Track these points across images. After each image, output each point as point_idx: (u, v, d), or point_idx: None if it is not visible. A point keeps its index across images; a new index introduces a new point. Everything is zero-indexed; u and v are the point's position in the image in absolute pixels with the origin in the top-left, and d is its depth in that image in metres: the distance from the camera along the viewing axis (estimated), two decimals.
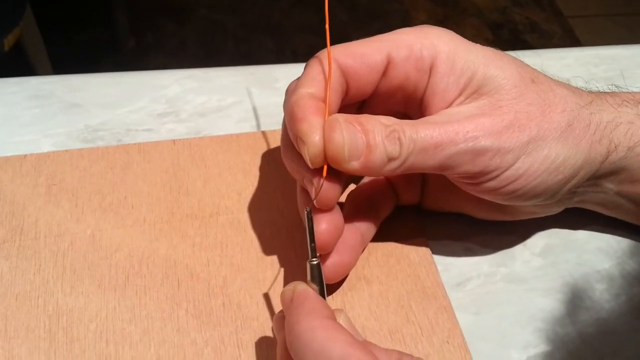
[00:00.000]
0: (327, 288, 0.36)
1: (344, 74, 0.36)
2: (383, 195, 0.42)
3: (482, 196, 0.37)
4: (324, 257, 0.38)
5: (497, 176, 0.35)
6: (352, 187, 0.43)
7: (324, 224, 0.36)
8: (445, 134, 0.34)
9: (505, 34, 2.01)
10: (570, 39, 1.98)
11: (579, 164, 0.36)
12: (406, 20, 1.98)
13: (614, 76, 0.55)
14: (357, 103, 0.39)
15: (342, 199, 0.42)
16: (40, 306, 0.38)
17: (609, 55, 0.57)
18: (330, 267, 0.37)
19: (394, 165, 0.34)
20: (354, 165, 0.34)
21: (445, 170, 0.35)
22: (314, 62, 0.36)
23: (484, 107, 0.35)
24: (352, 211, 0.40)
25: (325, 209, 0.36)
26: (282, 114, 0.40)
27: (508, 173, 0.35)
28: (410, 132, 0.34)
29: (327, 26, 0.36)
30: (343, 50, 0.36)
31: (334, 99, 0.35)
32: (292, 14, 1.99)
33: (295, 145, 0.35)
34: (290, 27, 1.95)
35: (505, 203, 0.38)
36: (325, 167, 0.34)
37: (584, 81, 0.40)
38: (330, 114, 0.35)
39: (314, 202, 0.35)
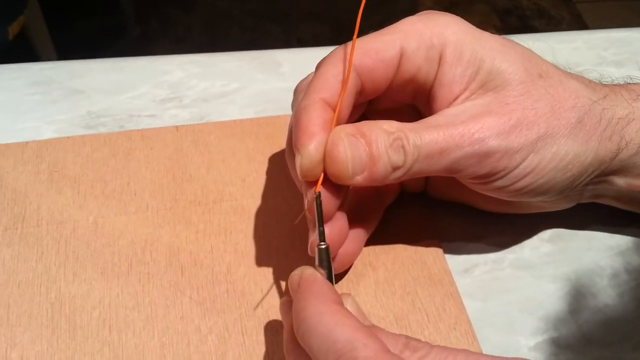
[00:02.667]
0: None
1: (359, 74, 0.35)
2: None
3: (489, 194, 0.37)
4: None
5: (505, 175, 0.34)
6: None
7: (326, 229, 0.35)
8: (451, 138, 0.33)
9: (514, 21, 1.99)
10: (579, 25, 1.96)
11: (588, 161, 0.35)
12: (413, 7, 1.96)
13: (623, 60, 0.54)
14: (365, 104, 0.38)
15: None
16: (43, 294, 0.37)
17: (618, 38, 0.56)
18: (334, 258, 0.37)
19: (398, 173, 0.34)
20: (358, 179, 0.33)
21: (451, 173, 0.35)
22: (328, 64, 0.35)
23: (491, 104, 0.34)
24: (356, 199, 0.40)
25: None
26: (286, 99, 0.40)
27: (516, 172, 0.34)
28: (414, 138, 0.33)
29: (355, 36, 0.35)
30: (357, 49, 0.34)
31: (347, 104, 0.35)
32: (299, 2, 1.98)
33: (294, 150, 0.34)
34: (296, 14, 1.94)
35: (513, 200, 0.37)
36: (320, 179, 0.33)
37: (598, 74, 0.39)
38: (340, 121, 0.34)
39: (306, 212, 0.34)
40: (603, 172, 0.37)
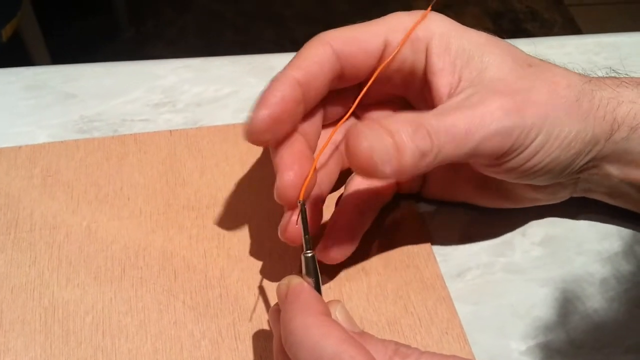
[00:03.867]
0: (326, 275, 0.36)
1: (340, 58, 0.36)
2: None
3: (499, 177, 0.37)
4: (324, 240, 0.38)
5: (519, 154, 0.35)
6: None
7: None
8: (473, 118, 0.33)
9: (506, 23, 1.99)
10: (571, 28, 1.96)
11: (588, 138, 0.36)
12: (406, 9, 1.96)
13: (614, 64, 0.54)
14: (353, 87, 0.38)
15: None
16: (36, 299, 0.37)
17: (609, 42, 0.56)
18: (329, 251, 0.37)
19: (427, 160, 0.32)
20: (387, 170, 0.31)
21: (474, 157, 0.34)
22: (309, 46, 0.36)
23: (495, 86, 0.35)
24: (352, 195, 0.40)
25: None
26: None
27: (529, 150, 0.35)
28: (436, 122, 0.32)
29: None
30: (339, 35, 0.36)
31: (321, 84, 0.36)
32: (293, 4, 1.98)
33: None
34: (290, 16, 1.94)
35: (519, 181, 0.37)
36: (304, 185, 0.34)
37: (582, 69, 0.40)
38: (311, 100, 0.35)
39: (275, 193, 0.35)
40: (597, 156, 0.37)
